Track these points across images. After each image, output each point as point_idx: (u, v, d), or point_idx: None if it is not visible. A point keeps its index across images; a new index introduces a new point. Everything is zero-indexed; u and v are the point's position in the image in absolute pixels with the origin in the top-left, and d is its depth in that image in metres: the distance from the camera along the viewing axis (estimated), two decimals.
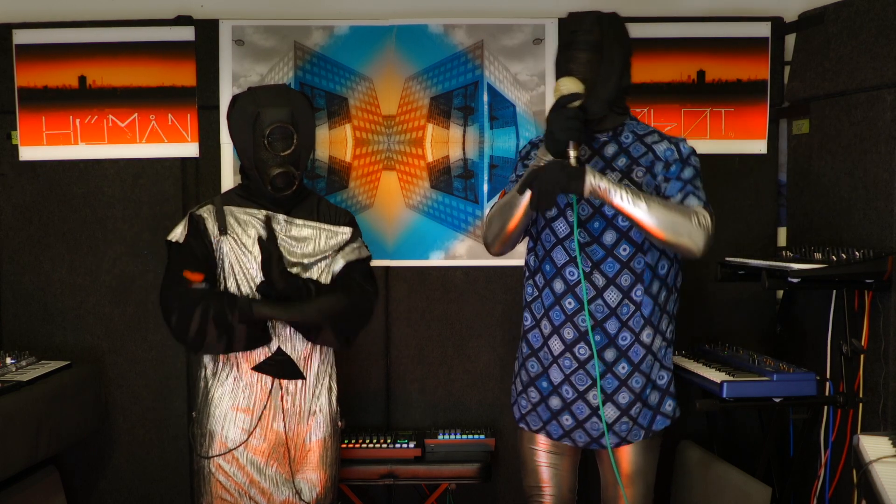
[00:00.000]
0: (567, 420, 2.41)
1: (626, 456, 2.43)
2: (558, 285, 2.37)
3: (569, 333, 2.36)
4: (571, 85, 2.23)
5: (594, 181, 2.17)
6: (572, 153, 2.19)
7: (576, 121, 2.18)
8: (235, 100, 2.63)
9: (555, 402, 2.41)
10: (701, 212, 2.25)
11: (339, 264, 2.67)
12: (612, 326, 2.34)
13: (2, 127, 3.38)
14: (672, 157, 2.35)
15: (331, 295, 2.57)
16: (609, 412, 2.36)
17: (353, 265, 2.68)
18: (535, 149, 2.45)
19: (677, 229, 2.19)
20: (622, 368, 2.35)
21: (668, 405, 2.43)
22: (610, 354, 2.35)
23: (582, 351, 2.35)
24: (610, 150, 2.38)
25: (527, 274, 2.49)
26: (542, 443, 2.50)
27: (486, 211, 2.45)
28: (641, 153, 2.37)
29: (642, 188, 2.32)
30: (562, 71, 2.32)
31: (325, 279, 2.64)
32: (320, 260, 2.64)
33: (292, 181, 2.57)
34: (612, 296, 2.33)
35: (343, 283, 2.63)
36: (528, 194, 2.24)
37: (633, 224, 2.23)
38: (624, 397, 2.37)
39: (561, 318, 2.37)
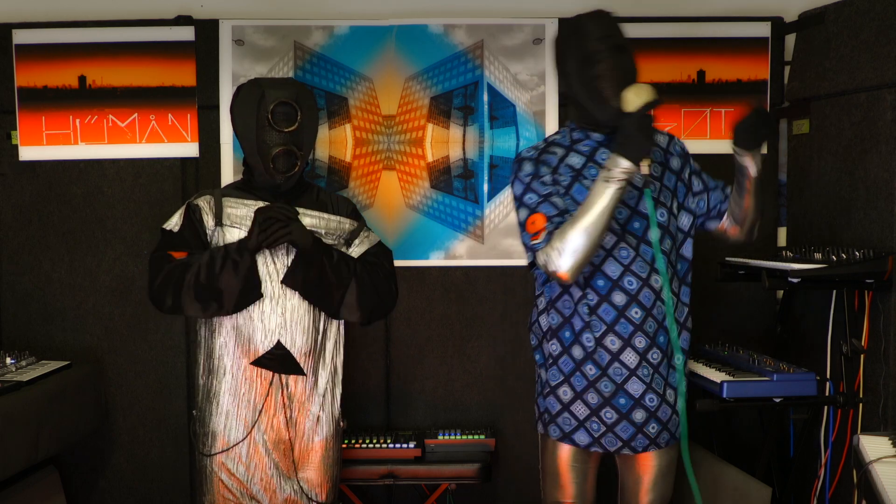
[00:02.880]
0: (653, 428, 2.35)
1: (656, 460, 2.41)
2: (618, 298, 2.29)
3: (640, 342, 2.30)
4: (646, 91, 2.16)
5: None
6: (646, 162, 2.17)
7: (654, 128, 2.19)
8: (240, 88, 2.64)
9: (639, 416, 2.33)
10: None
11: (356, 247, 2.70)
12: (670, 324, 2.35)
13: (2, 127, 3.38)
14: (681, 150, 2.45)
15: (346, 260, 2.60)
16: (679, 403, 2.33)
17: (370, 252, 2.70)
18: (542, 165, 2.33)
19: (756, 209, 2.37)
20: (671, 351, 2.36)
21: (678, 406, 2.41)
22: (671, 351, 2.36)
23: (655, 356, 2.32)
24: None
25: (574, 297, 2.35)
26: (569, 457, 2.42)
27: (535, 249, 2.26)
28: (676, 156, 2.43)
29: (663, 183, 2.36)
30: (609, 81, 2.25)
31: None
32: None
33: (294, 162, 2.55)
34: (686, 297, 2.41)
35: (369, 261, 2.67)
36: (611, 190, 2.14)
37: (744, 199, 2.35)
38: (669, 396, 2.39)
39: (629, 330, 2.30)
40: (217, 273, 2.47)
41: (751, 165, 2.28)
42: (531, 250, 2.29)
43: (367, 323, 2.67)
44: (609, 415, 2.33)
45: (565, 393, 2.38)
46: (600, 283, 2.30)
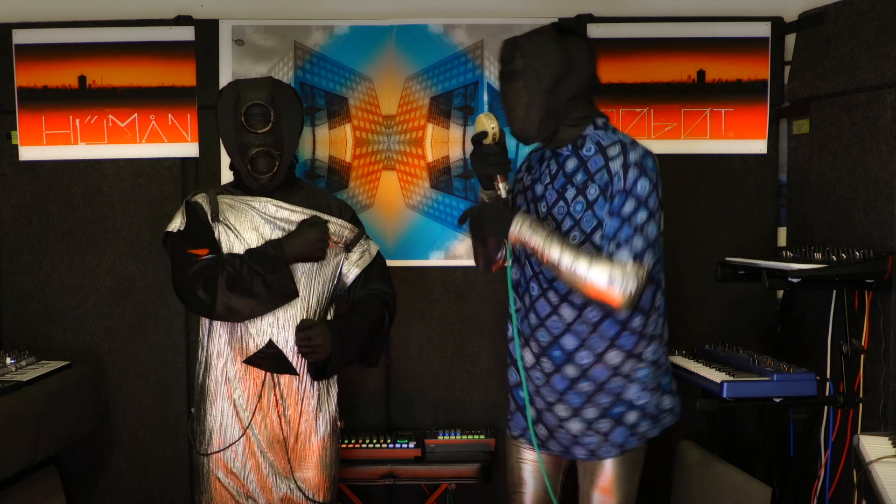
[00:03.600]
0: (540, 430, 2.42)
1: (604, 469, 2.37)
2: (526, 300, 2.40)
3: (535, 347, 2.37)
4: (483, 121, 2.30)
5: (516, 229, 2.23)
6: (501, 185, 2.29)
7: (492, 156, 2.28)
8: (221, 91, 2.64)
9: (533, 412, 2.43)
10: (624, 270, 2.18)
11: (353, 273, 2.71)
12: (569, 342, 2.31)
13: (2, 127, 3.39)
14: (618, 185, 2.22)
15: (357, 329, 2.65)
16: (575, 426, 2.34)
17: (368, 271, 2.72)
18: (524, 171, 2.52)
19: (591, 290, 2.20)
20: (587, 386, 2.31)
21: (644, 426, 2.35)
22: (571, 371, 2.32)
23: (546, 364, 2.35)
24: (570, 164, 2.33)
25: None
26: (518, 450, 2.50)
27: None
28: (598, 167, 2.28)
29: (593, 207, 2.26)
30: (504, 110, 2.37)
31: (334, 272, 2.69)
32: (332, 251, 2.65)
33: (272, 162, 2.55)
34: (567, 312, 2.30)
35: (363, 306, 2.68)
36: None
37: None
38: (591, 413, 2.33)
39: (528, 332, 2.38)
40: (249, 282, 2.49)
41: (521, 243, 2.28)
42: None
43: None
44: (512, 403, 2.51)
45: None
46: (517, 279, 2.45)
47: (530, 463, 2.48)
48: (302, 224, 2.57)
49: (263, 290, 2.48)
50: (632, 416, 2.34)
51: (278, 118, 2.55)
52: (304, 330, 2.51)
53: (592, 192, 2.27)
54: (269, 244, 2.52)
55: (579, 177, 2.30)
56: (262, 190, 2.61)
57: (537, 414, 2.41)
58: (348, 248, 2.70)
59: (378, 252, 2.78)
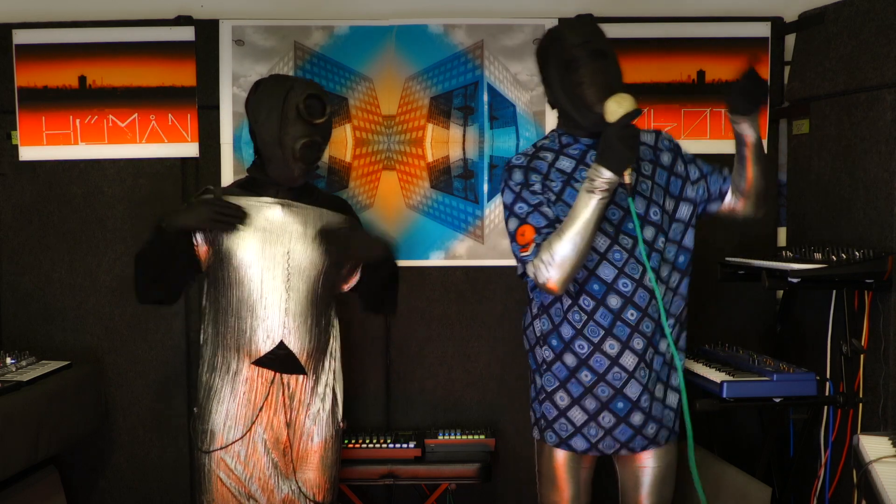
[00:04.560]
0: (651, 428, 2.37)
1: (673, 451, 2.44)
2: (613, 301, 2.29)
3: (638, 344, 2.30)
4: (627, 102, 2.14)
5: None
6: (627, 171, 2.16)
7: (636, 138, 2.15)
8: (260, 83, 2.61)
9: (637, 419, 2.35)
10: None
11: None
12: (669, 322, 2.37)
13: (2, 127, 3.38)
14: (669, 145, 2.43)
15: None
16: (672, 399, 2.39)
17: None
18: (533, 173, 2.35)
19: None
20: (662, 346, 2.36)
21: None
22: (662, 345, 2.36)
23: (650, 356, 2.34)
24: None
25: (559, 304, 2.36)
26: (563, 458, 2.43)
27: (526, 260, 2.29)
28: (661, 153, 2.41)
29: (654, 180, 2.35)
30: (589, 88, 2.26)
31: (356, 271, 2.73)
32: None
33: (319, 152, 2.59)
34: (660, 290, 2.32)
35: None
36: (595, 201, 2.16)
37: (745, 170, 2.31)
38: (674, 379, 2.40)
39: (627, 332, 2.30)
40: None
41: (748, 131, 2.27)
42: (521, 262, 2.31)
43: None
44: (607, 419, 2.35)
45: (562, 399, 2.38)
46: (595, 287, 2.30)
47: (575, 479, 2.43)
48: (198, 201, 2.58)
49: (153, 256, 2.53)
50: (661, 393, 2.42)
51: (329, 113, 2.60)
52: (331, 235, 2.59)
53: (661, 177, 2.37)
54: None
55: (645, 167, 2.36)
56: (286, 181, 2.59)
57: (644, 416, 2.35)
58: None
59: None
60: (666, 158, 2.40)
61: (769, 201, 2.31)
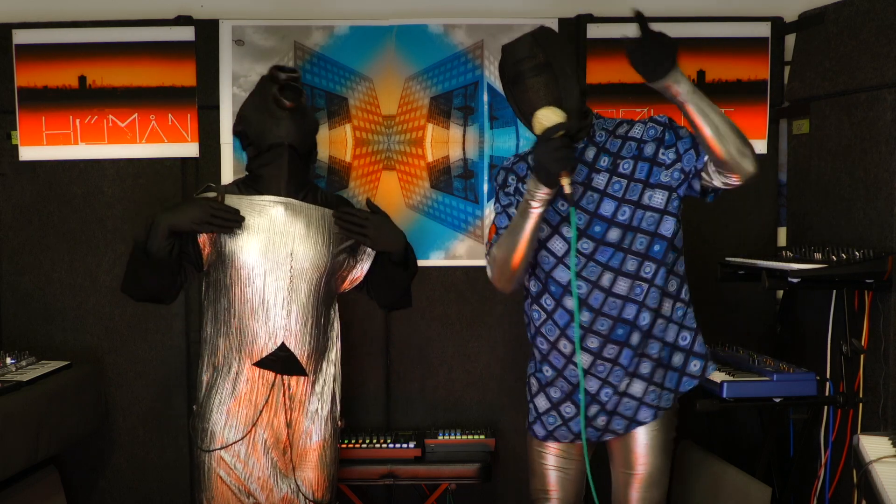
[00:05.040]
0: (602, 420, 2.39)
1: (649, 434, 2.39)
2: (569, 302, 2.33)
3: (593, 343, 2.33)
4: (553, 115, 2.18)
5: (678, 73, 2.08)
6: (565, 181, 2.16)
7: (565, 150, 2.14)
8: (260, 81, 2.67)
9: (592, 410, 2.38)
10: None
11: (367, 262, 2.71)
12: (629, 312, 2.31)
13: (2, 127, 3.39)
14: (656, 133, 2.31)
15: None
16: (637, 388, 2.35)
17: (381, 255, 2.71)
18: (511, 175, 2.45)
19: (737, 133, 2.13)
20: (634, 339, 2.32)
21: (694, 365, 2.40)
22: (635, 338, 2.33)
23: (610, 351, 2.33)
24: (590, 154, 2.36)
25: (529, 299, 2.46)
26: (551, 447, 2.48)
27: (486, 256, 2.45)
28: (619, 146, 2.34)
29: (633, 178, 2.31)
30: (528, 105, 2.29)
31: (358, 268, 2.72)
32: (341, 246, 2.65)
33: (299, 93, 2.57)
34: (622, 285, 2.30)
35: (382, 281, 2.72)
36: (531, 213, 2.22)
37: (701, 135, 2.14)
38: (645, 367, 2.35)
39: (581, 334, 2.33)
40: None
41: (674, 89, 2.08)
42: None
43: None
44: (568, 409, 2.42)
45: (533, 384, 2.50)
46: (552, 288, 2.37)
47: (560, 470, 2.47)
48: (191, 200, 2.56)
49: (146, 264, 2.48)
50: (678, 358, 2.39)
51: (305, 103, 2.63)
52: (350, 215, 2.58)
53: (625, 165, 2.32)
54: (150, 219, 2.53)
55: (604, 161, 2.33)
56: (284, 137, 2.58)
57: (600, 408, 2.37)
58: (353, 248, 2.69)
59: None
60: (649, 150, 2.32)
61: (750, 154, 2.13)
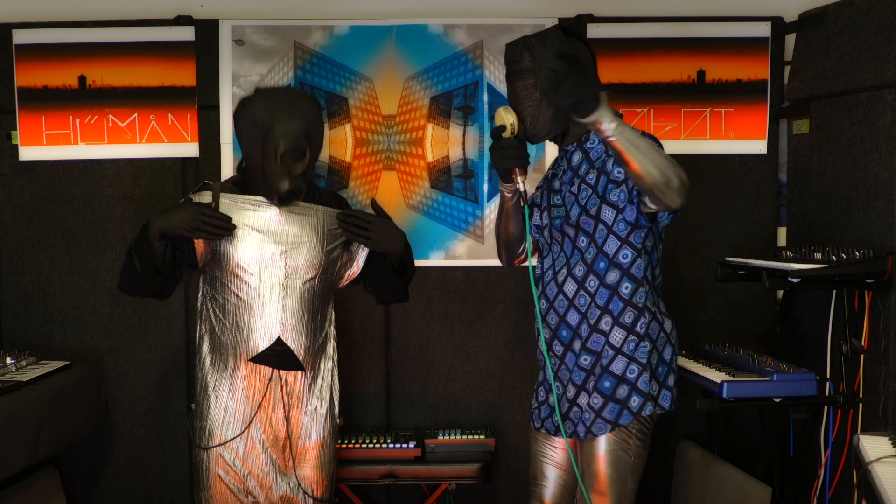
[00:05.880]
0: (545, 410, 2.51)
1: (598, 448, 2.37)
2: (540, 288, 2.48)
3: (546, 333, 2.44)
4: (502, 115, 2.32)
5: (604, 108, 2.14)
6: (519, 178, 2.31)
7: (511, 150, 2.30)
8: (245, 103, 2.57)
9: (551, 399, 2.48)
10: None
11: (362, 257, 2.71)
12: (572, 318, 2.38)
13: (2, 127, 3.39)
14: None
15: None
16: (582, 401, 2.38)
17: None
18: (559, 159, 2.54)
19: (670, 166, 2.15)
20: (584, 360, 2.37)
21: (634, 401, 2.33)
22: (576, 345, 2.38)
23: (557, 348, 2.42)
24: (576, 158, 2.42)
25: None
26: (544, 439, 2.53)
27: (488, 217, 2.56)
28: (599, 155, 2.37)
29: (595, 188, 2.34)
30: (511, 103, 2.40)
31: (354, 263, 2.72)
32: (335, 243, 2.64)
33: (300, 196, 2.56)
34: (570, 287, 2.38)
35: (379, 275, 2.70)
36: (504, 202, 2.47)
37: (626, 169, 2.18)
38: (608, 382, 2.35)
39: (539, 320, 2.44)
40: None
41: (600, 129, 2.13)
42: None
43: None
44: (541, 395, 2.54)
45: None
46: (538, 273, 2.52)
47: (550, 458, 2.51)
48: (185, 205, 2.54)
49: (139, 266, 2.48)
50: (622, 391, 2.34)
51: (311, 151, 2.54)
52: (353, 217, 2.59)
53: (591, 176, 2.36)
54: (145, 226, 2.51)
55: (584, 168, 2.39)
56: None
57: (554, 399, 2.45)
58: (346, 243, 2.69)
59: None
60: (610, 163, 2.34)
61: (677, 187, 2.15)
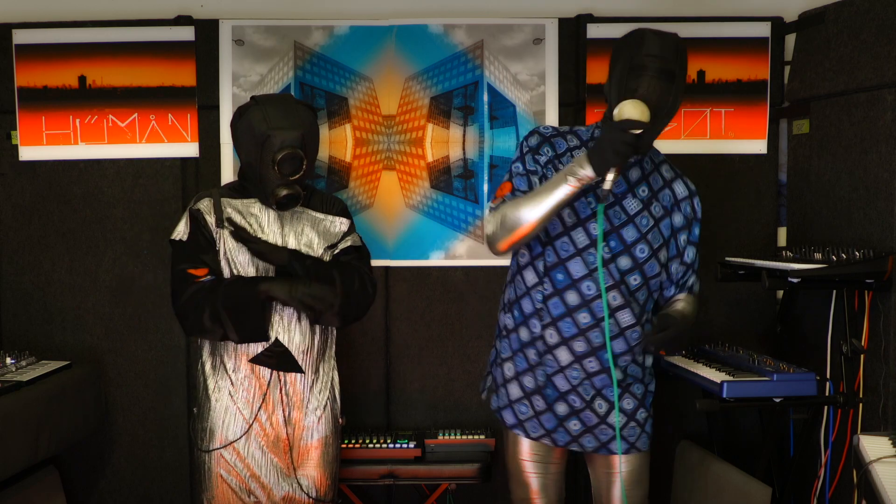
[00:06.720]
0: (575, 426, 2.40)
1: (632, 462, 2.41)
2: (571, 297, 2.32)
3: (580, 346, 2.33)
4: (640, 111, 2.12)
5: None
6: (610, 176, 2.13)
7: (630, 147, 2.11)
8: (241, 112, 2.58)
9: (561, 409, 2.39)
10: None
11: (338, 249, 2.70)
12: (618, 346, 2.34)
13: (2, 127, 3.39)
14: (690, 214, 2.46)
15: (329, 284, 2.55)
16: (621, 419, 2.38)
17: (351, 250, 2.68)
18: (547, 145, 2.35)
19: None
20: (619, 375, 2.36)
21: (642, 438, 2.45)
22: (617, 370, 2.36)
23: (591, 365, 2.34)
24: (634, 174, 2.36)
25: (527, 280, 2.40)
26: (528, 452, 2.47)
27: (489, 210, 2.37)
28: (660, 187, 2.39)
29: (659, 227, 2.35)
30: (628, 92, 2.19)
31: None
32: (326, 249, 2.64)
33: (298, 201, 2.57)
34: (626, 317, 2.33)
35: (345, 266, 2.62)
36: (564, 188, 2.16)
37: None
38: (629, 403, 2.39)
39: (573, 332, 2.32)
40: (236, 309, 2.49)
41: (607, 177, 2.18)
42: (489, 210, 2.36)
43: (342, 327, 2.70)
44: (538, 403, 2.41)
45: (508, 369, 2.47)
46: (559, 277, 2.33)
47: (539, 475, 2.46)
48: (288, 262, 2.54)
49: (246, 327, 2.51)
50: (602, 409, 2.40)
51: (308, 159, 2.55)
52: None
53: (656, 209, 2.35)
54: (248, 284, 2.51)
55: (643, 191, 2.36)
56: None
57: (569, 410, 2.39)
58: (337, 244, 2.69)
59: (363, 245, 2.74)
60: (678, 220, 2.41)
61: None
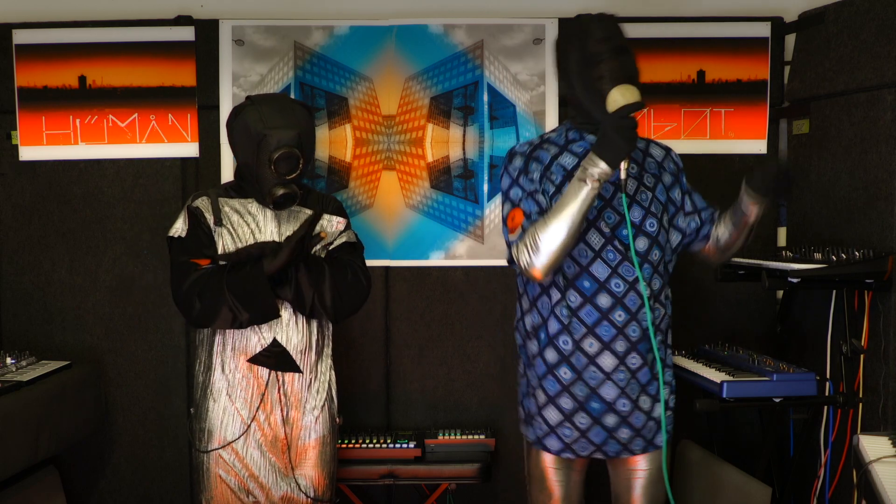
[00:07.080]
0: (624, 434, 2.33)
1: (656, 461, 2.37)
2: (603, 300, 2.27)
3: (621, 346, 2.28)
4: (632, 93, 2.13)
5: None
6: (624, 165, 2.14)
7: (636, 131, 2.11)
8: (237, 112, 2.59)
9: (610, 421, 2.31)
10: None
11: (333, 246, 2.70)
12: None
13: (2, 127, 3.39)
14: (674, 169, 2.43)
15: (321, 272, 2.55)
16: (659, 412, 2.33)
17: (346, 247, 2.67)
18: (533, 161, 2.31)
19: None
20: (650, 358, 2.33)
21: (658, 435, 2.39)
22: (651, 358, 2.32)
23: (633, 361, 2.29)
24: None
25: (549, 300, 2.33)
26: (553, 460, 2.40)
27: (511, 245, 2.29)
28: (641, 157, 2.37)
29: (655, 195, 2.34)
30: (597, 82, 2.21)
31: None
32: (322, 247, 2.64)
33: (295, 200, 2.57)
34: (654, 305, 2.32)
35: (337, 261, 2.62)
36: (586, 190, 2.13)
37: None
38: (666, 392, 2.36)
39: (612, 333, 2.27)
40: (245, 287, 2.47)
41: (754, 211, 2.33)
42: (508, 246, 2.30)
43: (337, 321, 2.66)
44: (583, 420, 2.32)
45: (539, 396, 2.37)
46: (586, 284, 2.28)
47: (563, 483, 2.41)
48: (286, 242, 2.53)
49: (258, 306, 2.49)
50: (647, 404, 2.37)
51: (304, 158, 2.55)
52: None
53: (648, 180, 2.36)
54: (251, 266, 2.49)
55: (666, 179, 2.40)
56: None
57: (618, 419, 2.31)
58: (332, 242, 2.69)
59: (358, 241, 2.74)
60: (667, 179, 2.39)
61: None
